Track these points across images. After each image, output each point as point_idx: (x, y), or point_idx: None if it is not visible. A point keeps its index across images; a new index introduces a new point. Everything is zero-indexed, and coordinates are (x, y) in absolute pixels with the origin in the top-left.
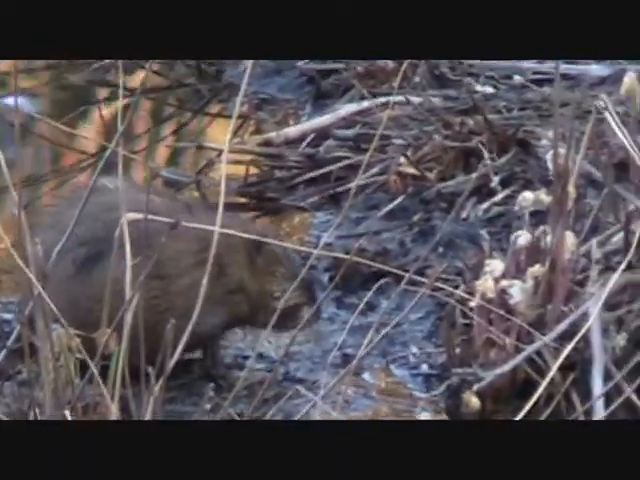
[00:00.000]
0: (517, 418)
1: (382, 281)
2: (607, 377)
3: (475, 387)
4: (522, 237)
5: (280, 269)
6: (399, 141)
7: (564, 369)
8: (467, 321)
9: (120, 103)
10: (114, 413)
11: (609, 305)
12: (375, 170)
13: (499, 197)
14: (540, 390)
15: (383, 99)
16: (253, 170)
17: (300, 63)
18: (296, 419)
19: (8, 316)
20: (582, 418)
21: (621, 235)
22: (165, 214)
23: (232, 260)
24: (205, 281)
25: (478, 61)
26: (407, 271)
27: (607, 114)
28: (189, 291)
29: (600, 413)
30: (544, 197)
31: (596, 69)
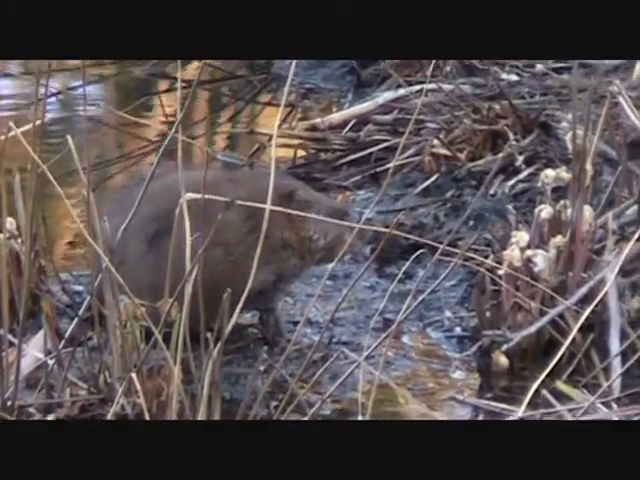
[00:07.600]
0: (541, 376)
1: (418, 252)
2: (623, 337)
3: (504, 347)
4: (545, 211)
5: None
6: (432, 125)
7: (584, 330)
8: (496, 287)
9: (179, 94)
10: (177, 375)
11: (624, 271)
12: (411, 151)
13: (523, 175)
14: (563, 349)
15: (417, 87)
16: (300, 153)
17: None
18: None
19: (79, 288)
20: (601, 375)
21: (635, 208)
22: (215, 185)
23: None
24: (260, 247)
25: None
26: (441, 243)
27: (621, 98)
28: (245, 257)
29: (617, 370)
30: (564, 174)
31: None
